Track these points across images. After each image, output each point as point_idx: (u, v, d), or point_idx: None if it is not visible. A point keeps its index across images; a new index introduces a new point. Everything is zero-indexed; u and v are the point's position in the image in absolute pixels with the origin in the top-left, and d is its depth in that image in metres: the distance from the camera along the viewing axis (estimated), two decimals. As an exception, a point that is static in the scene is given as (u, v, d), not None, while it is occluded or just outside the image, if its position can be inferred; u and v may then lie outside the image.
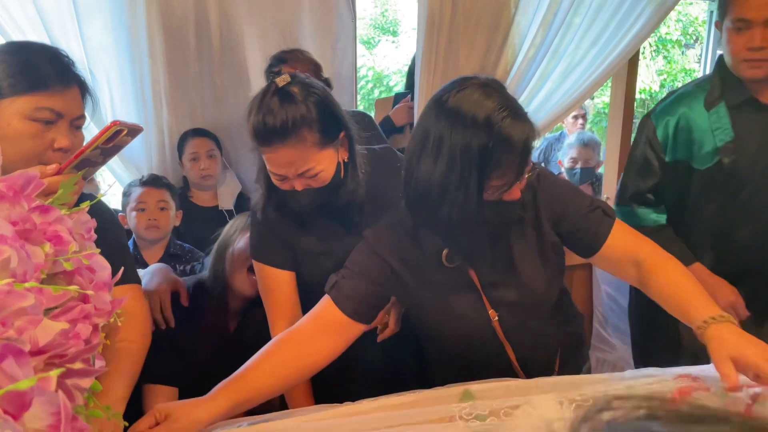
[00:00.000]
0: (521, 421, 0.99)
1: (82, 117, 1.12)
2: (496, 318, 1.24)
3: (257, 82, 2.32)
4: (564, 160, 3.09)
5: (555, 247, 1.25)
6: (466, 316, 1.24)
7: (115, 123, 0.98)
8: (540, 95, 2.26)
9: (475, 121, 1.02)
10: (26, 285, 0.50)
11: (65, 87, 1.06)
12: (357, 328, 1.21)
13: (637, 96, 8.92)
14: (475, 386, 1.18)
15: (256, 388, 1.10)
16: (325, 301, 1.22)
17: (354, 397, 1.14)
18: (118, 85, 2.16)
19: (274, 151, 1.20)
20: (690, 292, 1.10)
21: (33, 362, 0.52)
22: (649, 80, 9.40)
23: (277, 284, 1.40)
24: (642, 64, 9.26)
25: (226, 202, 2.40)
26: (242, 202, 2.43)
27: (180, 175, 2.38)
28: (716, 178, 1.59)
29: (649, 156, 1.68)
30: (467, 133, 1.02)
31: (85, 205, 0.78)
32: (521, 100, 2.19)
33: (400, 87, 7.90)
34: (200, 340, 1.55)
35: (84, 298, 0.67)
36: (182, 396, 1.52)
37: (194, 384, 1.51)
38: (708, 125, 1.58)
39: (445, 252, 1.21)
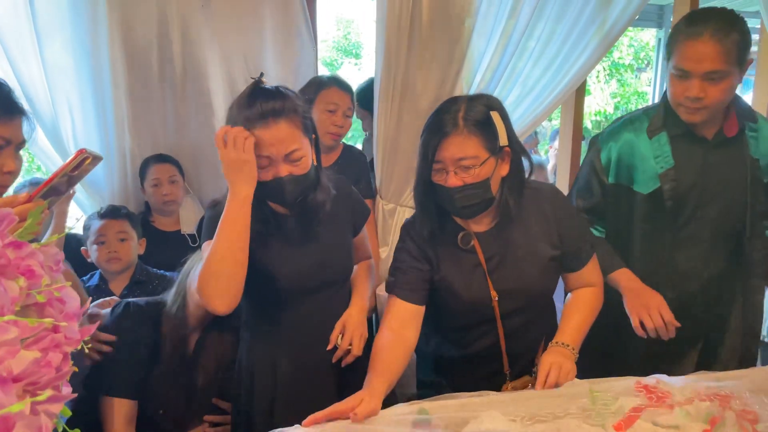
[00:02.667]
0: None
1: (24, 142, 1.25)
2: (497, 298, 1.44)
3: (220, 108, 2.36)
4: None
5: (555, 249, 1.48)
6: (471, 295, 1.45)
7: (81, 151, 1.02)
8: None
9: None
10: (5, 318, 0.54)
11: (11, 117, 1.19)
12: (423, 311, 1.46)
13: (593, 118, 9.23)
14: (430, 403, 1.25)
15: (394, 370, 1.35)
16: (394, 301, 1.44)
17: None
18: (79, 111, 2.18)
19: (268, 127, 1.29)
20: (574, 320, 1.49)
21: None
22: (604, 102, 9.75)
23: None
24: (597, 87, 9.60)
25: (188, 227, 2.42)
26: (204, 226, 2.46)
27: (142, 200, 2.40)
28: (656, 203, 1.67)
29: (591, 177, 1.76)
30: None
31: (54, 239, 0.82)
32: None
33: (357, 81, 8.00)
34: (160, 356, 1.58)
35: (54, 328, 0.71)
36: (141, 407, 1.55)
37: (152, 398, 1.55)
38: (650, 152, 1.67)
39: (460, 235, 1.44)
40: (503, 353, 1.48)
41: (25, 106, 1.28)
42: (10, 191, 2.01)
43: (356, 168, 2.31)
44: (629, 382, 1.22)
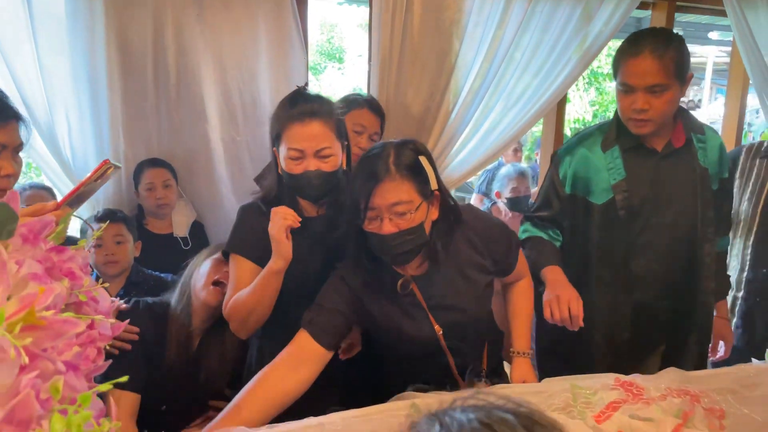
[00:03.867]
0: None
1: (21, 145, 1.31)
2: (441, 332, 1.46)
3: (213, 114, 2.42)
4: (504, 191, 3.27)
5: (488, 274, 1.53)
6: (418, 333, 1.47)
7: (105, 162, 1.10)
8: (482, 129, 2.46)
9: None
10: (67, 315, 0.60)
11: (6, 121, 1.25)
12: (329, 356, 1.41)
13: (572, 125, 9.39)
14: (421, 400, 1.32)
15: (249, 421, 1.24)
16: (303, 335, 1.38)
17: (319, 405, 1.33)
18: (75, 115, 2.22)
19: (305, 124, 1.44)
20: (519, 324, 1.63)
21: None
22: (583, 110, 9.96)
23: (245, 273, 1.52)
24: (576, 95, 9.80)
25: (181, 230, 2.47)
26: (196, 230, 2.51)
27: (135, 203, 2.44)
28: (610, 213, 1.78)
29: (549, 190, 1.88)
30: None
31: (83, 243, 0.88)
32: (464, 134, 2.38)
33: (345, 90, 8.09)
34: (166, 352, 1.63)
35: (90, 325, 0.78)
36: (144, 402, 1.60)
37: (156, 392, 1.60)
38: (603, 165, 1.78)
39: (399, 282, 1.44)
40: (455, 374, 1.52)
41: (21, 110, 1.34)
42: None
43: None
44: (608, 378, 1.31)
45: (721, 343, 2.02)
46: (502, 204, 3.27)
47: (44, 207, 0.98)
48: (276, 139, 1.51)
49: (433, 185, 1.37)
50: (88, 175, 1.07)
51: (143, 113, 2.34)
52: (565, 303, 1.58)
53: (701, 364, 1.91)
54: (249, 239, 1.54)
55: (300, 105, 1.46)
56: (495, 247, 1.53)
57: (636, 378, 1.31)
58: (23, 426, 0.42)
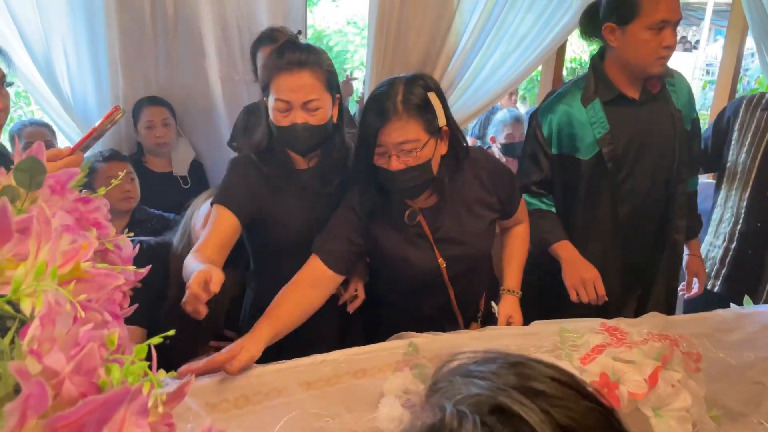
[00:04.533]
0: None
1: (4, 76, 1.34)
2: (444, 265, 1.51)
3: (212, 50, 2.40)
4: (499, 137, 3.27)
5: (493, 212, 1.57)
6: (422, 264, 1.51)
7: (117, 108, 1.12)
8: (482, 74, 2.45)
9: None
10: (102, 266, 0.65)
11: None
12: (339, 280, 1.47)
13: (568, 65, 9.28)
14: (419, 339, 1.40)
15: (286, 322, 1.36)
16: (314, 260, 1.44)
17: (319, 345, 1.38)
18: (73, 53, 2.20)
19: (293, 74, 1.39)
20: (513, 264, 1.67)
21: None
22: (580, 50, 9.82)
23: (224, 225, 1.45)
24: (572, 34, 9.65)
25: (181, 168, 2.50)
26: (195, 169, 2.54)
27: (134, 141, 2.45)
28: (598, 167, 1.80)
29: (536, 151, 1.85)
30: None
31: (102, 191, 0.92)
32: (464, 80, 2.38)
33: (340, 47, 7.93)
34: (168, 288, 1.69)
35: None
36: (150, 336, 1.67)
37: (159, 330, 1.67)
38: (586, 119, 1.79)
39: (407, 213, 1.48)
40: (455, 310, 1.59)
41: (20, 46, 1.35)
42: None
43: None
44: (594, 323, 1.39)
45: (695, 279, 2.12)
46: (496, 149, 3.29)
47: (60, 152, 1.01)
48: (265, 89, 1.46)
49: (442, 122, 1.39)
50: (101, 120, 1.09)
51: (141, 49, 2.32)
52: (591, 285, 1.68)
53: (672, 302, 2.03)
54: (236, 192, 1.50)
55: (289, 54, 1.41)
56: (501, 188, 1.57)
57: (620, 323, 1.39)
58: (89, 375, 0.47)
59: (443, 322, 1.56)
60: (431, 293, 1.57)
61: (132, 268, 0.75)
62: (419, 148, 1.35)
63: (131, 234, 1.77)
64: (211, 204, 1.53)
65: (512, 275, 1.66)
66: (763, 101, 2.22)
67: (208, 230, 1.45)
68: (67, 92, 2.24)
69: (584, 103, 1.80)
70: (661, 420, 1.17)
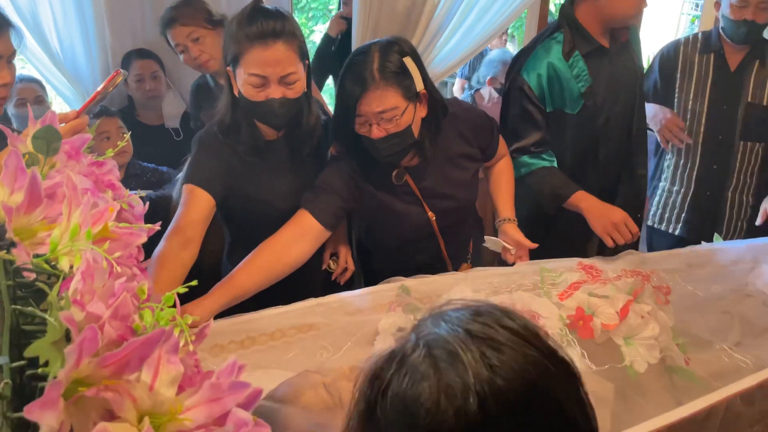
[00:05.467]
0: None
1: (14, 53, 1.35)
2: (434, 218, 1.58)
3: (197, 2, 2.39)
4: (499, 76, 3.13)
5: (477, 162, 1.65)
6: (412, 219, 1.57)
7: (118, 72, 1.18)
8: (468, 20, 2.46)
9: None
10: (125, 225, 0.72)
11: (1, 32, 1.29)
12: (327, 235, 1.50)
13: (556, 1, 9.13)
14: (410, 281, 1.50)
15: (245, 286, 1.35)
16: (303, 214, 1.45)
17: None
18: (59, 9, 2.19)
19: (267, 46, 1.31)
20: (503, 195, 1.74)
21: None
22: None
23: (198, 206, 1.41)
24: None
25: (172, 121, 2.52)
26: (188, 120, 2.57)
27: (125, 95, 2.47)
28: (585, 119, 1.87)
29: (530, 111, 1.83)
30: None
31: (110, 153, 0.98)
32: (451, 26, 2.39)
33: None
34: None
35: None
36: None
37: None
38: (569, 74, 1.83)
39: (394, 173, 1.52)
40: (446, 258, 1.67)
41: (12, 20, 1.36)
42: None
43: None
44: (572, 262, 1.49)
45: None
46: (486, 89, 3.26)
47: (66, 116, 1.06)
48: (233, 62, 1.37)
49: (419, 86, 1.40)
50: (104, 83, 1.15)
51: (127, 2, 2.31)
52: (623, 226, 1.66)
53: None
54: (207, 170, 1.44)
55: (259, 23, 1.32)
56: (482, 136, 1.63)
57: (596, 261, 1.50)
58: (125, 319, 0.55)
59: (435, 269, 1.63)
60: (423, 244, 1.65)
61: (148, 225, 0.82)
62: (399, 115, 1.37)
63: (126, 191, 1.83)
64: (182, 184, 1.46)
65: (506, 204, 1.73)
66: (698, 45, 2.28)
67: (182, 212, 1.40)
68: (55, 47, 2.24)
69: (566, 57, 1.83)
70: (631, 348, 1.29)
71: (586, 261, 1.50)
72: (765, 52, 2.23)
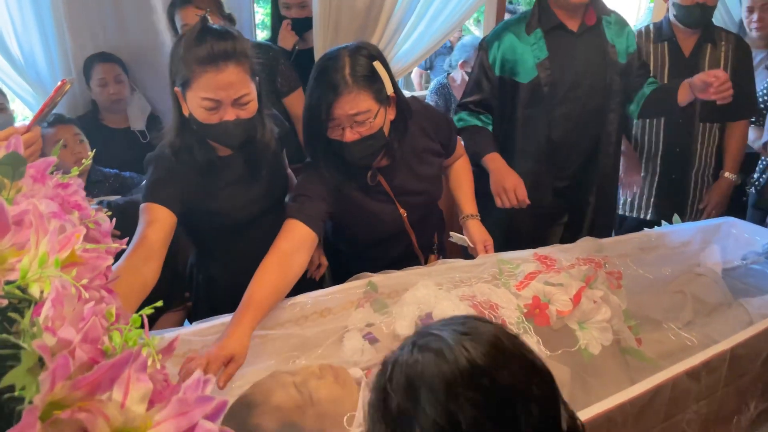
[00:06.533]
0: (407, 299, 1.38)
1: None
2: (405, 215, 1.64)
3: (159, 4, 2.39)
4: (470, 61, 3.18)
5: (440, 157, 1.73)
6: (386, 217, 1.63)
7: (64, 81, 1.19)
8: (427, 16, 2.50)
9: None
10: (91, 246, 0.76)
11: None
12: (317, 241, 1.52)
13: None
14: (376, 277, 1.56)
15: (265, 307, 1.34)
16: (295, 224, 1.46)
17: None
18: (18, 15, 2.18)
19: (220, 70, 1.30)
20: (465, 192, 1.80)
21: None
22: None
23: (158, 224, 1.39)
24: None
25: (138, 123, 2.52)
26: (153, 122, 2.57)
27: (89, 99, 2.47)
28: (536, 90, 2.00)
29: (480, 75, 2.05)
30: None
31: (76, 171, 1.01)
32: (411, 22, 2.43)
33: None
34: None
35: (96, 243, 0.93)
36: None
37: None
38: (528, 47, 1.98)
39: (369, 174, 1.57)
40: (417, 252, 1.74)
41: None
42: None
43: (265, 67, 2.34)
44: (528, 253, 1.57)
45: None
46: (458, 72, 3.27)
47: (16, 130, 1.07)
48: (183, 84, 1.35)
49: (389, 90, 1.44)
50: (50, 95, 1.16)
51: (86, 7, 2.30)
52: (512, 191, 1.85)
53: (609, 222, 2.27)
54: (164, 188, 1.42)
55: (209, 45, 1.30)
56: (441, 132, 1.71)
57: (551, 251, 1.57)
58: (94, 342, 0.60)
59: (407, 263, 1.69)
60: (395, 240, 1.70)
61: (114, 245, 0.86)
62: (372, 118, 1.41)
63: (92, 201, 1.86)
64: (141, 203, 1.44)
65: (468, 201, 1.81)
66: (651, 35, 2.38)
67: (143, 229, 1.38)
68: (16, 53, 2.23)
69: (528, 30, 2.00)
70: (585, 331, 1.37)
71: (541, 251, 1.58)
72: (714, 35, 2.33)
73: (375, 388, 0.76)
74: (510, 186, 1.86)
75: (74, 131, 2.17)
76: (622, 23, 2.09)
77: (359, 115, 1.39)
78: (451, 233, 1.79)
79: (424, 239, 1.76)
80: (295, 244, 1.44)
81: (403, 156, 1.59)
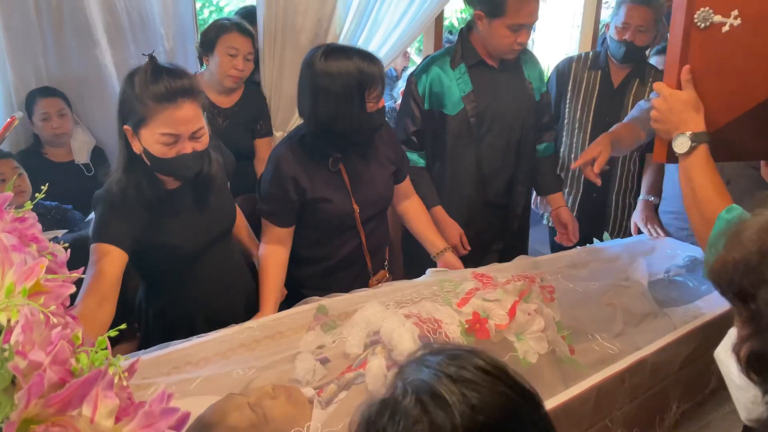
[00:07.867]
0: (356, 320, 1.45)
1: None
2: (357, 210, 1.77)
3: (101, 37, 2.42)
4: None
5: (393, 166, 1.88)
6: (339, 205, 1.75)
7: (13, 118, 1.24)
8: (370, 48, 2.61)
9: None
10: (53, 276, 0.80)
11: None
12: (293, 229, 1.79)
13: (459, 16, 9.54)
14: (326, 300, 1.63)
15: (280, 287, 1.77)
16: (269, 227, 1.76)
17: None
18: (-44, 49, 2.17)
19: (179, 107, 1.38)
20: (430, 229, 2.00)
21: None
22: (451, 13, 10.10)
23: (111, 264, 1.41)
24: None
25: (82, 156, 2.53)
26: (98, 155, 2.58)
27: (30, 133, 2.45)
28: (462, 121, 2.14)
29: (412, 107, 2.18)
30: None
31: (29, 206, 1.05)
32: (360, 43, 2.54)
33: (231, 7, 7.75)
34: None
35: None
36: None
37: None
38: (453, 80, 2.13)
39: (331, 159, 1.72)
40: (366, 254, 1.86)
41: None
42: None
43: (256, 107, 2.46)
44: (467, 273, 1.67)
45: (570, 229, 2.49)
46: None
47: None
48: (138, 122, 1.39)
49: None
50: (0, 131, 1.20)
51: (27, 41, 2.31)
52: (459, 244, 2.17)
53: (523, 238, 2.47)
54: (114, 227, 1.44)
55: (165, 82, 1.37)
56: (396, 149, 1.90)
57: (489, 270, 1.68)
58: (63, 364, 0.64)
59: (356, 267, 1.84)
60: (346, 237, 1.82)
61: (74, 275, 0.90)
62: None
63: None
64: (91, 243, 1.45)
65: (438, 237, 2.00)
66: (588, 62, 2.58)
67: (95, 272, 1.38)
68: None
69: (452, 65, 2.14)
70: (523, 342, 1.46)
71: (479, 270, 1.68)
72: (645, 73, 2.51)
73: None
74: (454, 237, 2.15)
75: (13, 165, 2.16)
76: (535, 62, 2.27)
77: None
78: (429, 270, 1.83)
79: (373, 245, 1.88)
80: (276, 239, 1.76)
81: (366, 152, 1.78)
